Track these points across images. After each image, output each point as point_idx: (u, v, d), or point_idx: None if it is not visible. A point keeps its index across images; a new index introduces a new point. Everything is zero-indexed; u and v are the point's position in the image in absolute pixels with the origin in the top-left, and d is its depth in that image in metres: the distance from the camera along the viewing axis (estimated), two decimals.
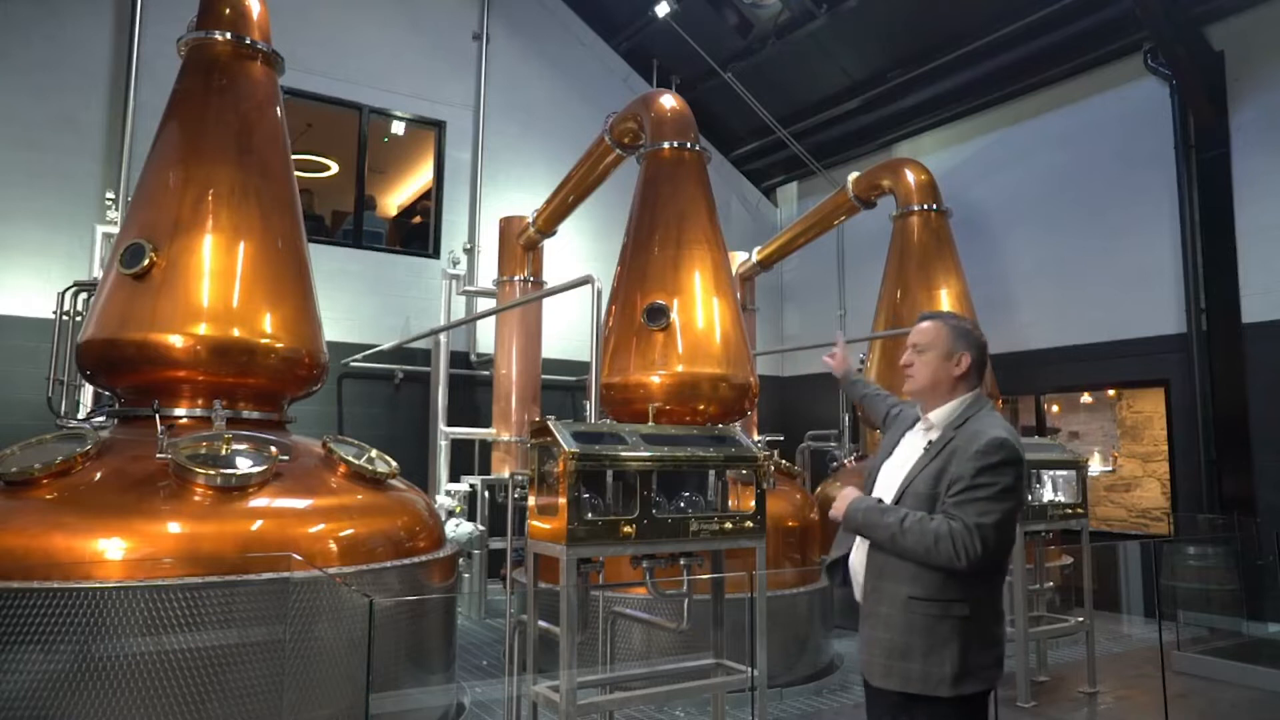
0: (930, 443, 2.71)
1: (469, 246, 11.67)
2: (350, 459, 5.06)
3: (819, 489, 9.57)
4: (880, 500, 2.71)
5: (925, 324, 2.80)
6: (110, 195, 9.10)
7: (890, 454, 2.88)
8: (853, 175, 10.21)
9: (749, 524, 3.98)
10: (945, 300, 9.19)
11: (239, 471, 4.45)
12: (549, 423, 3.82)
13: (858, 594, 2.77)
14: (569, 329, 11.76)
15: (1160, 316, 9.27)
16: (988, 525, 2.47)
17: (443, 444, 10.25)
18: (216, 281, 5.15)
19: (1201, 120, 8.99)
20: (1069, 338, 10.10)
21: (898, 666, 2.55)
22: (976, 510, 2.49)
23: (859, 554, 2.76)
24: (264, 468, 4.52)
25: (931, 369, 2.73)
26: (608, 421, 5.67)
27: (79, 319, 7.29)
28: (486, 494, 9.64)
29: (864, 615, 2.67)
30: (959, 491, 2.52)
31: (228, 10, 5.82)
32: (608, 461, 3.73)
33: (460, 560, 7.75)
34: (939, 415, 2.74)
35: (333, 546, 4.54)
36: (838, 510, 2.74)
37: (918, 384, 2.75)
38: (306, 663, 4.12)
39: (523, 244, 10.42)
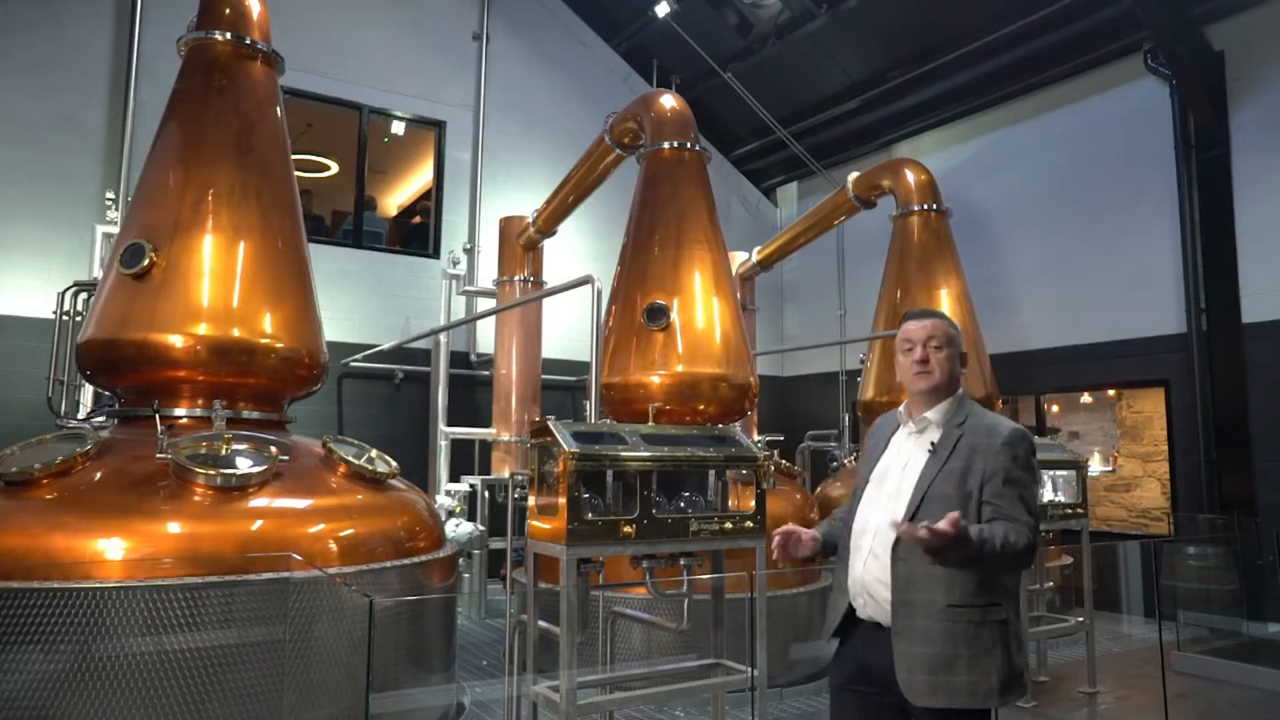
0: (933, 443, 2.63)
1: (469, 246, 11.67)
2: (350, 459, 5.06)
3: (819, 489, 9.58)
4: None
5: (934, 321, 2.71)
6: (110, 195, 9.10)
7: (877, 462, 2.76)
8: (853, 175, 10.21)
9: (749, 524, 3.98)
10: (945, 300, 9.19)
11: (239, 471, 4.45)
12: (549, 423, 3.82)
13: (866, 612, 2.61)
14: (569, 329, 11.76)
15: (1160, 316, 9.27)
16: (1036, 519, 2.50)
17: (443, 444, 10.25)
18: (216, 281, 5.15)
19: (1201, 120, 8.99)
20: (1069, 338, 10.10)
21: (943, 681, 2.42)
22: (1025, 507, 2.49)
23: (874, 567, 2.59)
24: (264, 468, 4.52)
25: (949, 366, 2.68)
26: (608, 421, 5.67)
27: (79, 319, 7.29)
28: (486, 494, 9.64)
29: (895, 632, 2.49)
30: (1004, 485, 2.50)
31: (228, 10, 5.82)
32: (608, 461, 3.73)
33: (460, 560, 7.75)
34: (939, 413, 2.66)
35: (333, 546, 4.54)
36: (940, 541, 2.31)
37: (936, 381, 2.66)
38: (306, 663, 4.12)
39: (523, 244, 10.42)
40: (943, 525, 2.27)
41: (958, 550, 2.34)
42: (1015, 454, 2.52)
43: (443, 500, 9.32)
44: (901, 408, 2.79)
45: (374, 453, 5.34)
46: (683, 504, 4.08)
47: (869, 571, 2.59)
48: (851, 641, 2.69)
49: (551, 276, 10.83)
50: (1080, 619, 6.30)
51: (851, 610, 2.67)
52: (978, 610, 2.45)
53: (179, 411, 5.07)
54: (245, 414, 5.24)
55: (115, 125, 9.55)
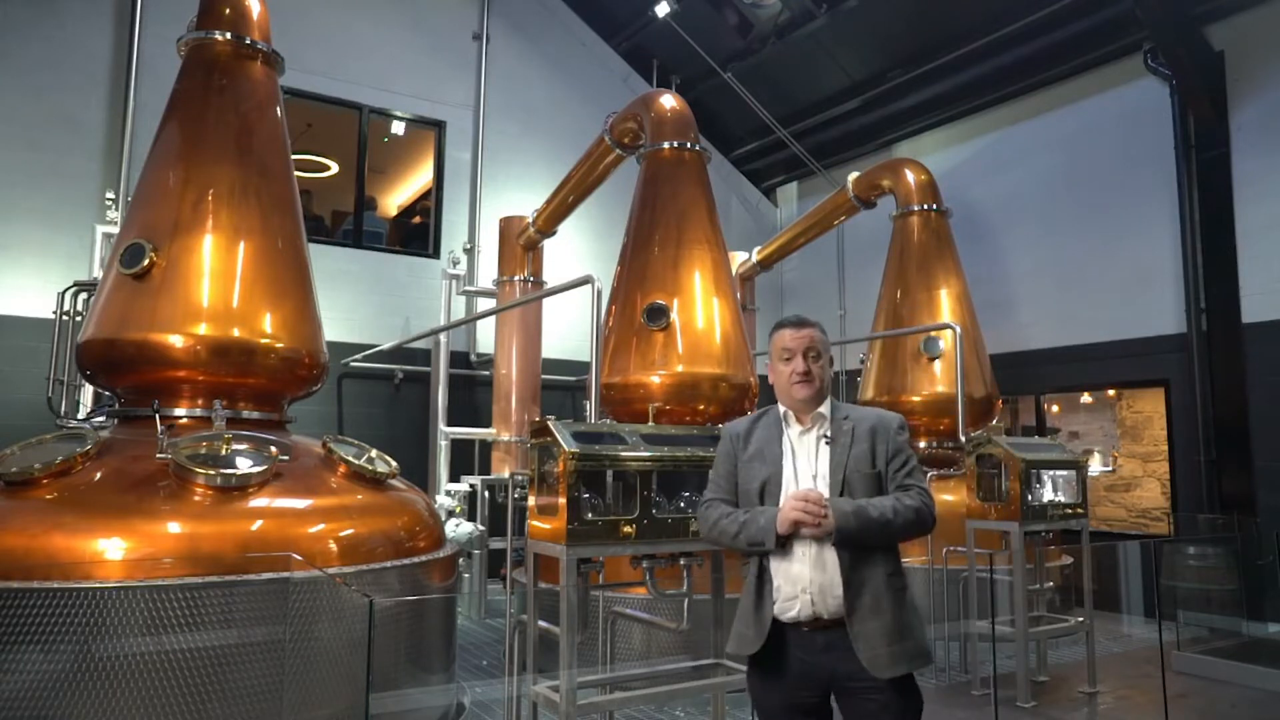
0: (827, 435, 2.75)
1: (469, 246, 11.67)
2: (350, 459, 5.06)
3: None
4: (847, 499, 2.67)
5: (810, 331, 2.79)
6: (110, 195, 9.11)
7: (775, 461, 2.76)
8: (853, 175, 10.21)
9: None
10: (945, 300, 9.20)
11: (239, 471, 4.45)
12: (549, 423, 3.82)
13: (808, 610, 2.59)
14: (569, 329, 11.76)
15: (1160, 316, 9.27)
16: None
17: (443, 444, 10.25)
18: (216, 281, 5.15)
19: (1201, 120, 8.99)
20: (1069, 338, 10.10)
21: (899, 649, 2.53)
22: (919, 476, 2.74)
23: (814, 557, 2.60)
24: (264, 468, 4.52)
25: (824, 374, 2.81)
26: (608, 421, 5.67)
27: (79, 319, 7.29)
28: (486, 494, 9.64)
29: (850, 612, 2.55)
30: (905, 462, 2.73)
31: (228, 10, 5.82)
32: (608, 461, 3.73)
33: (460, 560, 7.75)
34: (827, 410, 2.82)
35: (333, 546, 4.54)
36: (820, 525, 2.53)
37: (817, 389, 2.77)
38: (306, 663, 4.12)
39: (523, 244, 10.42)
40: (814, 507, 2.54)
41: (858, 528, 2.55)
42: (906, 436, 2.81)
43: (443, 500, 9.32)
44: (781, 411, 2.84)
45: (374, 453, 5.34)
46: (683, 504, 4.08)
47: (813, 570, 2.60)
48: (781, 656, 2.66)
49: (551, 276, 10.83)
50: (1080, 619, 6.29)
51: (774, 621, 2.66)
52: (902, 578, 2.67)
53: (179, 411, 5.07)
54: (245, 414, 5.25)
55: (115, 125, 9.56)
